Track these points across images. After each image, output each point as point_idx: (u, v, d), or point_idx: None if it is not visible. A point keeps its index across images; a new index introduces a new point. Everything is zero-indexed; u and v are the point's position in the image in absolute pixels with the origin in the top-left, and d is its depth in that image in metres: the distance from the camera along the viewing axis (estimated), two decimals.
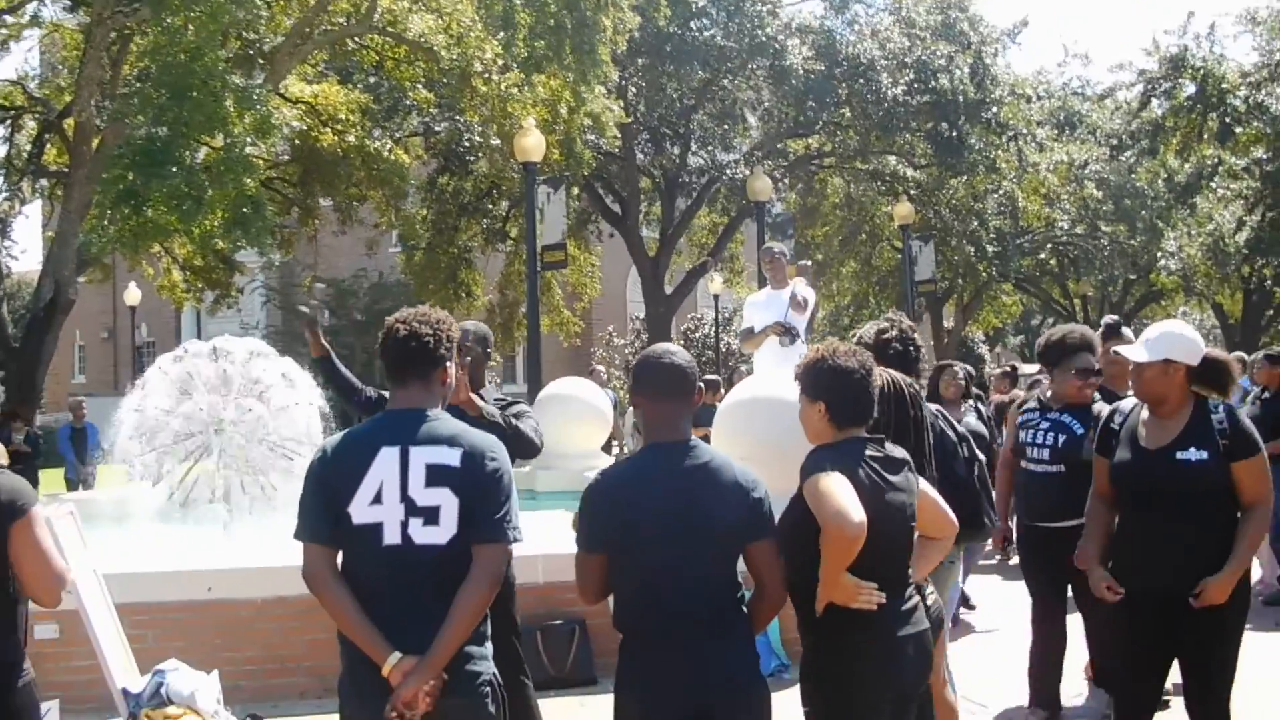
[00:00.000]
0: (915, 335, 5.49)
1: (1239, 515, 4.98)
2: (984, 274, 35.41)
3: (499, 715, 3.85)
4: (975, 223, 33.76)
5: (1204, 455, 4.92)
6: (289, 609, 7.94)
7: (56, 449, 20.60)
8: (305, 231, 29.75)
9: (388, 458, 3.75)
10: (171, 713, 6.54)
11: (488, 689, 3.79)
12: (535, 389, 17.43)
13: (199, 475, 10.94)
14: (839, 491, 3.82)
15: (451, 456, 3.75)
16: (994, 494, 6.56)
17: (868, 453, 4.10)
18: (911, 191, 33.39)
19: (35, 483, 17.23)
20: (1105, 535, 5.31)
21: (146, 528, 10.79)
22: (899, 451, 4.24)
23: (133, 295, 37.62)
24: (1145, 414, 5.16)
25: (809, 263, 11.53)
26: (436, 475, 3.73)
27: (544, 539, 7.89)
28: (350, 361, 45.01)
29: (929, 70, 30.73)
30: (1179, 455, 4.95)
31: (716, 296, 39.36)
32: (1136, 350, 5.10)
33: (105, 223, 19.13)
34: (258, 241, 19.78)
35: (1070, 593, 6.65)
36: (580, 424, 14.21)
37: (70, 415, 21.54)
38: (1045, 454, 6.62)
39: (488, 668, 3.82)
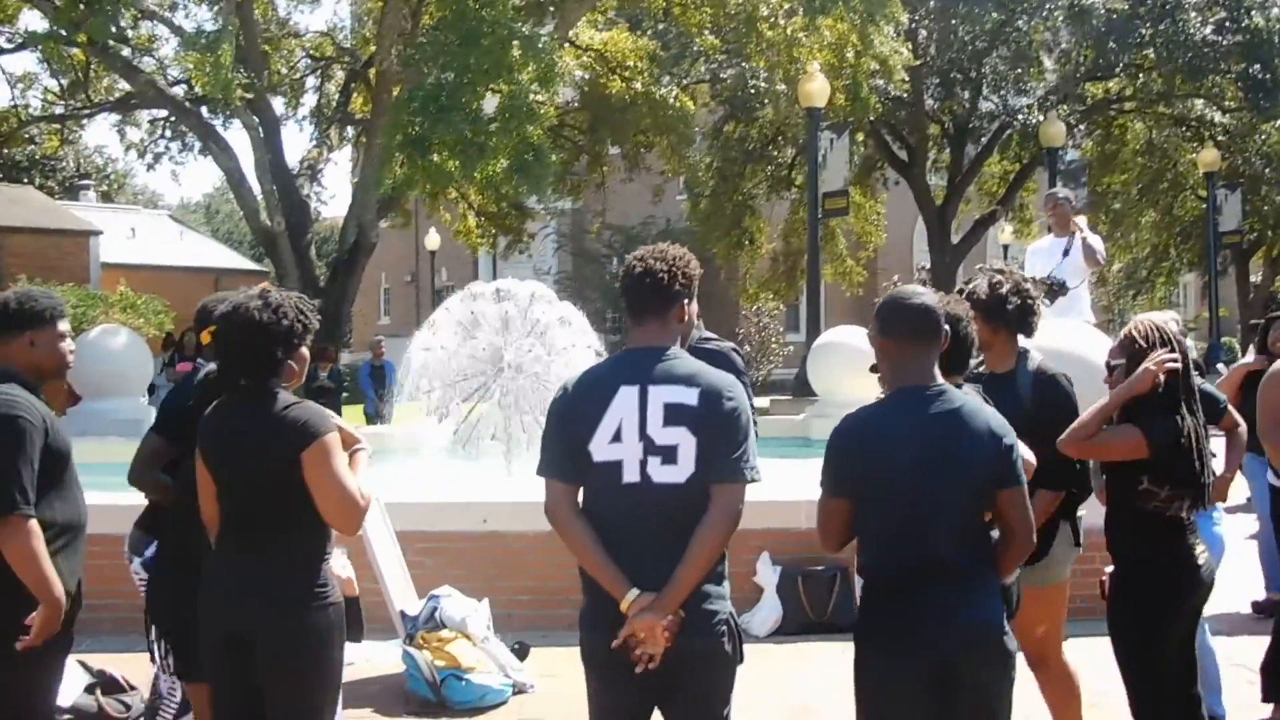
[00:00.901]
0: (1030, 288, 5.15)
1: None
2: None
3: (735, 655, 3.83)
4: None
5: None
6: (559, 543, 8.15)
7: (359, 386, 21.72)
8: (594, 178, 30.31)
9: (627, 396, 3.75)
10: (445, 636, 6.84)
11: (724, 628, 3.78)
12: (814, 337, 17.35)
13: (481, 414, 11.34)
14: None
15: (689, 395, 3.74)
16: None
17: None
18: (1219, 137, 31.55)
19: (338, 415, 18.23)
20: None
21: (434, 462, 11.27)
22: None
23: (432, 240, 39.18)
24: None
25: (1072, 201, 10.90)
26: (674, 414, 3.72)
27: (809, 484, 7.87)
28: None
29: (1242, 7, 28.85)
30: None
31: (1006, 246, 38.22)
32: None
33: (396, 166, 19.98)
34: (538, 188, 20.29)
35: None
36: (856, 373, 14.05)
37: (371, 353, 22.68)
38: None
39: (725, 607, 3.81)
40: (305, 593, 4.04)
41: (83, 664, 6.44)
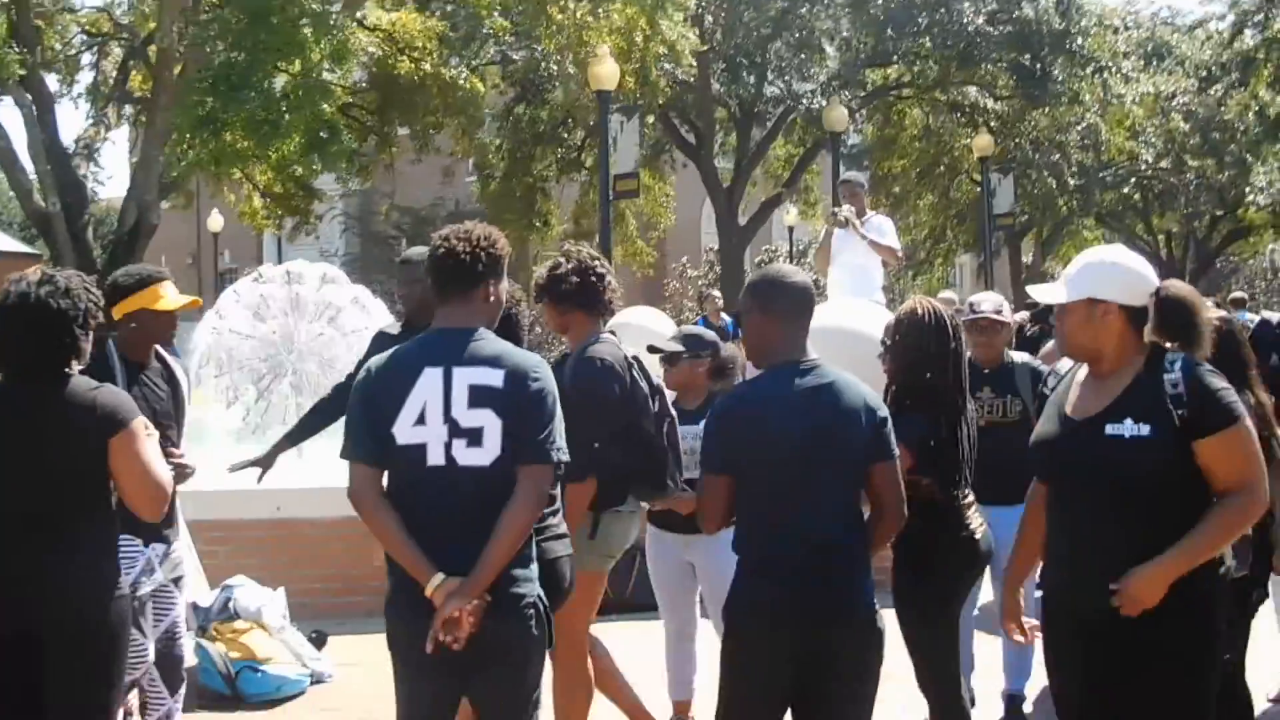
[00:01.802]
0: (597, 265, 5.20)
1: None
2: (1065, 208, 34.73)
3: (543, 638, 3.85)
4: (1057, 156, 33.09)
5: (1144, 430, 3.62)
6: (357, 529, 8.02)
7: None
8: (382, 159, 29.92)
9: (431, 378, 3.72)
10: (239, 626, 6.76)
11: (532, 611, 3.79)
12: None
13: (272, 398, 11.16)
14: None
15: (494, 377, 3.72)
16: None
17: None
18: (992, 123, 32.82)
19: None
20: (1036, 543, 4.06)
21: (222, 449, 11.04)
22: None
23: (215, 222, 38.13)
24: (1082, 374, 3.91)
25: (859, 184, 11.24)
26: (479, 396, 3.70)
27: None
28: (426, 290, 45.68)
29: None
30: (1109, 429, 3.68)
31: (791, 229, 39.12)
32: (1054, 290, 3.89)
33: (185, 148, 19.43)
34: (334, 166, 20.04)
35: None
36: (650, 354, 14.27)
37: None
38: None
39: (532, 589, 3.81)
40: (103, 586, 3.97)
41: None
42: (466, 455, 3.69)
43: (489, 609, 3.66)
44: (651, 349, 5.85)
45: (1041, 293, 3.93)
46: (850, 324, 8.01)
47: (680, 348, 5.82)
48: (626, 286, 28.83)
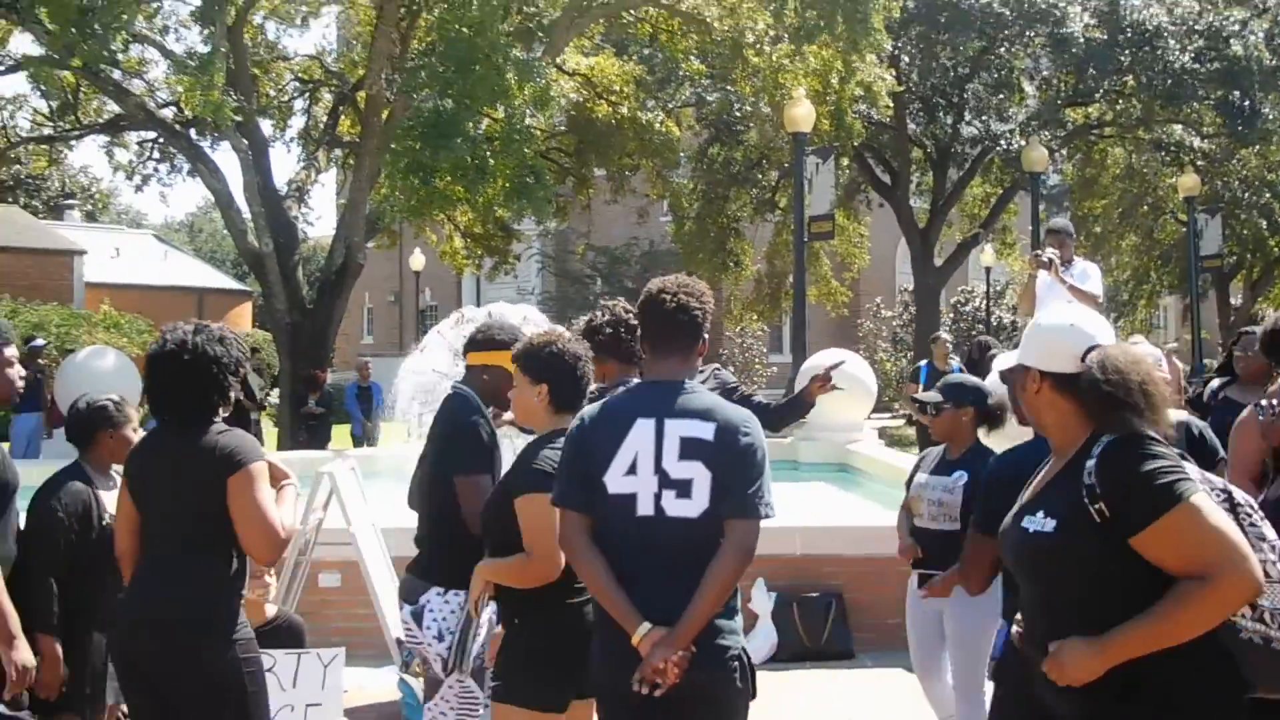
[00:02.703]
0: (630, 318, 5.23)
1: None
2: (1276, 249, 33.43)
3: (747, 689, 3.84)
4: (1268, 194, 31.91)
5: (1049, 525, 3.19)
6: None
7: (345, 407, 21.76)
8: (579, 201, 30.45)
9: (643, 429, 3.78)
10: None
11: (736, 663, 3.79)
12: (800, 359, 17.45)
13: None
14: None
15: (705, 430, 3.76)
16: None
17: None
18: (1198, 162, 31.79)
19: (328, 440, 18.30)
20: None
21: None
22: None
23: (417, 261, 39.25)
24: None
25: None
26: (690, 448, 3.74)
27: (803, 510, 7.96)
28: None
29: (1220, 36, 29.15)
30: (1025, 521, 3.31)
31: (988, 269, 38.43)
32: (1009, 356, 3.70)
33: (396, 193, 20.08)
34: (538, 210, 20.42)
35: None
36: (843, 396, 14.13)
37: (357, 374, 22.71)
38: None
39: (736, 642, 3.82)
40: (218, 624, 4.10)
41: None
42: (675, 506, 3.73)
43: (694, 660, 3.65)
44: (914, 399, 6.00)
45: (1001, 361, 3.70)
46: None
47: (939, 398, 5.76)
48: (820, 326, 28.86)
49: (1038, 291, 10.39)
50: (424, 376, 11.41)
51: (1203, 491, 3.05)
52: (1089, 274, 10.35)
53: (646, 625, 3.66)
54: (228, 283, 49.41)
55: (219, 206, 22.97)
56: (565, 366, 4.28)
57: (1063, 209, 36.18)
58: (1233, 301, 39.62)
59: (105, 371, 15.05)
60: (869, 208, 34.81)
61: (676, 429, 3.77)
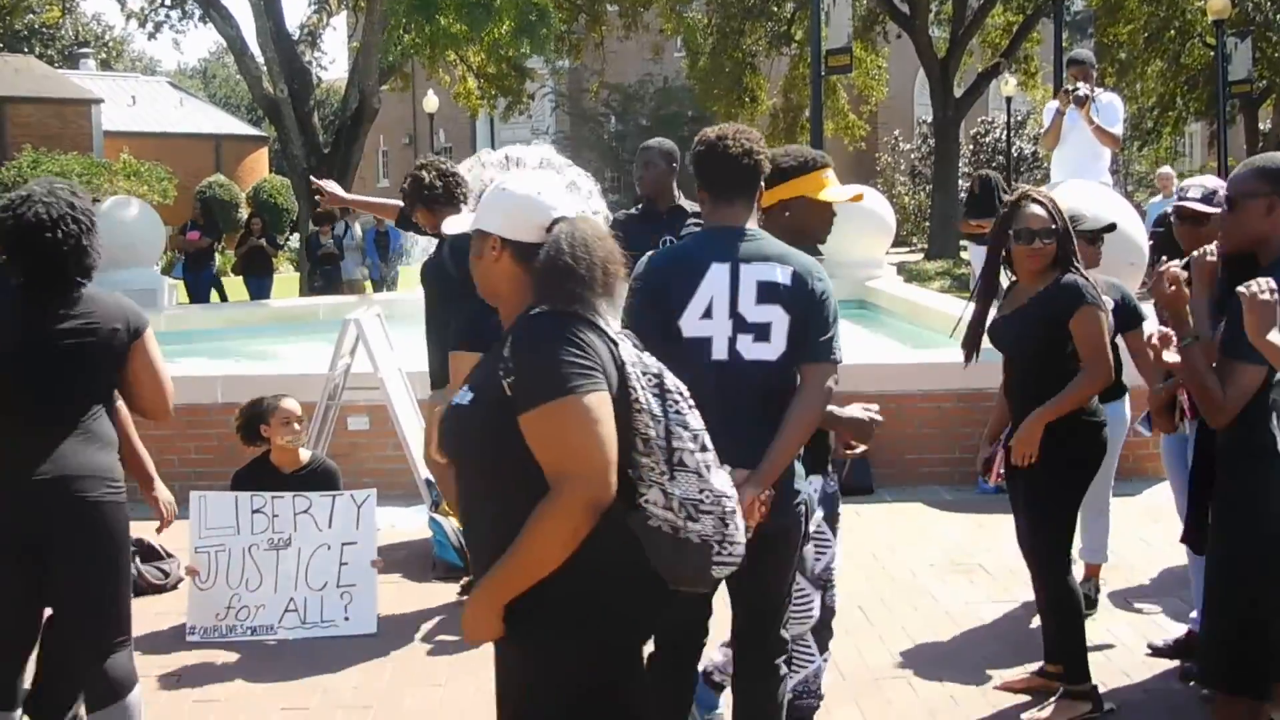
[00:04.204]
0: (449, 166, 5.52)
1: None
2: None
3: (807, 534, 3.92)
4: None
5: (466, 399, 2.98)
6: None
7: (363, 250, 21.82)
8: (592, 38, 30.05)
9: (718, 273, 3.73)
10: None
11: (803, 509, 3.84)
12: None
13: None
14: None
15: (783, 274, 3.72)
16: None
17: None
18: None
19: (339, 282, 18.37)
20: None
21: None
22: None
23: (431, 103, 38.89)
24: None
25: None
26: (767, 292, 3.71)
27: None
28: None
29: None
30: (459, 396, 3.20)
31: (1009, 99, 37.89)
32: (462, 219, 3.24)
33: (400, 31, 19.87)
34: (542, 49, 20.20)
35: None
36: (861, 233, 14.16)
37: (374, 218, 22.69)
38: None
39: (806, 488, 3.87)
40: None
41: None
42: (753, 350, 3.72)
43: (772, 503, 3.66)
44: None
45: (452, 224, 3.30)
46: (1081, 208, 7.86)
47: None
48: (838, 161, 28.62)
49: (1062, 127, 10.34)
50: None
51: (599, 394, 2.79)
52: (1114, 108, 10.27)
53: (726, 468, 3.52)
54: (244, 129, 49.10)
55: (233, 53, 22.77)
56: None
57: (1087, 35, 35.47)
58: (1261, 127, 39.02)
59: (130, 220, 15.17)
60: (887, 39, 34.24)
61: (753, 273, 3.73)
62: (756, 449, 3.64)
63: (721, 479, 2.92)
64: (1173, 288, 3.70)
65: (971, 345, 4.97)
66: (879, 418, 4.20)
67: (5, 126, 34.17)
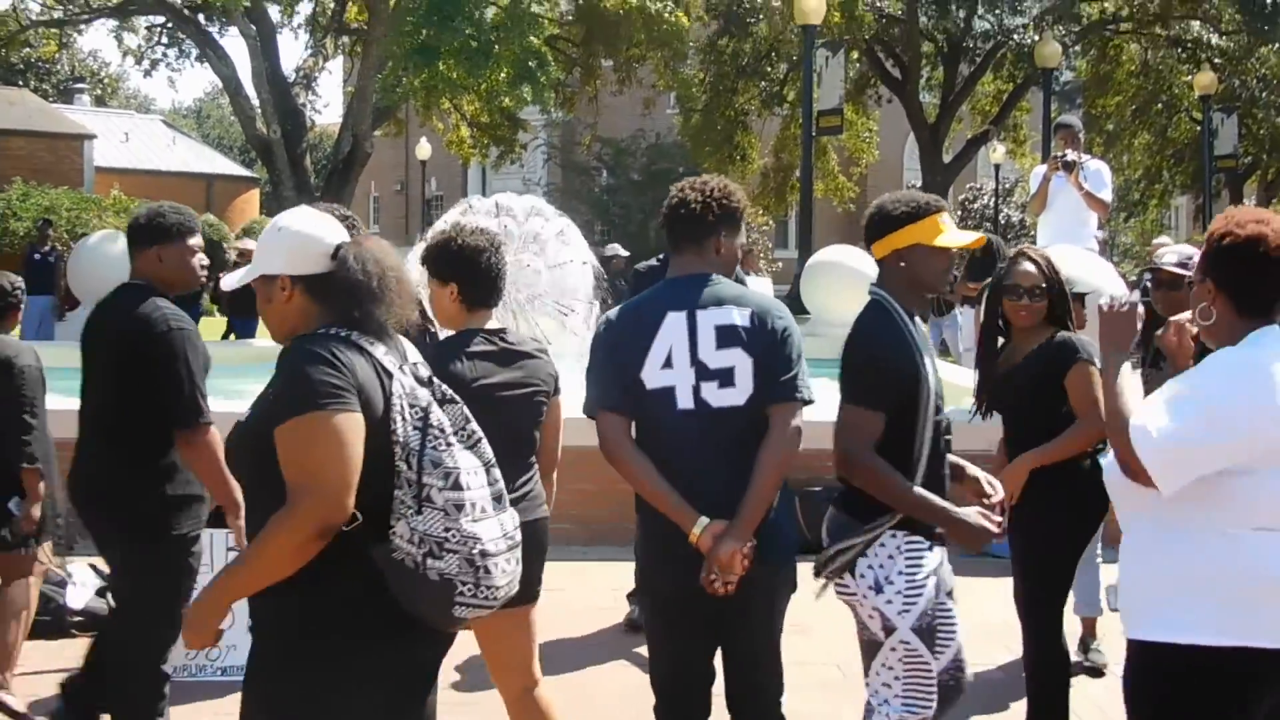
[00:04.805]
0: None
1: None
2: None
3: (794, 577, 3.85)
4: None
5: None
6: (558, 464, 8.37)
7: None
8: (586, 91, 30.26)
9: (675, 322, 3.70)
10: None
11: (790, 552, 3.80)
12: (806, 255, 17.51)
13: None
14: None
15: (741, 316, 3.68)
16: None
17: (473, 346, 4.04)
18: (1215, 60, 31.46)
19: None
20: None
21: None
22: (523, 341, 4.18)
23: (423, 150, 39.12)
24: None
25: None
26: (726, 336, 3.67)
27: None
28: (627, 221, 45.06)
29: None
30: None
31: (997, 166, 38.23)
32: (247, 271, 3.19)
33: (400, 74, 20.03)
34: (540, 98, 20.38)
35: None
36: (847, 291, 14.21)
37: None
38: None
39: (790, 530, 3.83)
40: None
41: (93, 567, 6.65)
42: (719, 396, 3.67)
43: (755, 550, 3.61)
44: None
45: (230, 280, 3.22)
46: (1067, 270, 7.91)
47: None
48: (827, 222, 28.80)
49: (1049, 193, 10.40)
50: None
51: (346, 414, 2.79)
52: (1101, 176, 10.33)
53: (704, 520, 3.58)
54: (236, 169, 49.15)
55: (227, 93, 22.99)
56: (469, 263, 4.08)
57: (1075, 106, 35.86)
58: (1246, 203, 39.35)
59: (117, 255, 15.12)
60: (878, 102, 34.54)
61: (710, 319, 3.69)
62: (729, 499, 3.59)
63: (488, 526, 2.86)
64: (1176, 338, 3.62)
65: (982, 399, 5.01)
66: (994, 524, 3.77)
67: None
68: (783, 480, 3.72)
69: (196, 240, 4.65)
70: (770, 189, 33.74)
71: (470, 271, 4.07)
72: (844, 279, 14.14)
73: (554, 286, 11.24)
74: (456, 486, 2.83)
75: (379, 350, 2.92)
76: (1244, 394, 2.93)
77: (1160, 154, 38.16)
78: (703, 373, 3.66)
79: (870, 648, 3.87)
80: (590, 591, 7.34)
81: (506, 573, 2.90)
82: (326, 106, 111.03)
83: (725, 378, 3.65)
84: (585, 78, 29.74)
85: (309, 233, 3.03)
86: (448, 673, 5.30)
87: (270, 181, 23.42)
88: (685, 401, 3.67)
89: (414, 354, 3.09)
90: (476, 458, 2.92)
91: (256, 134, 21.78)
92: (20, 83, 40.97)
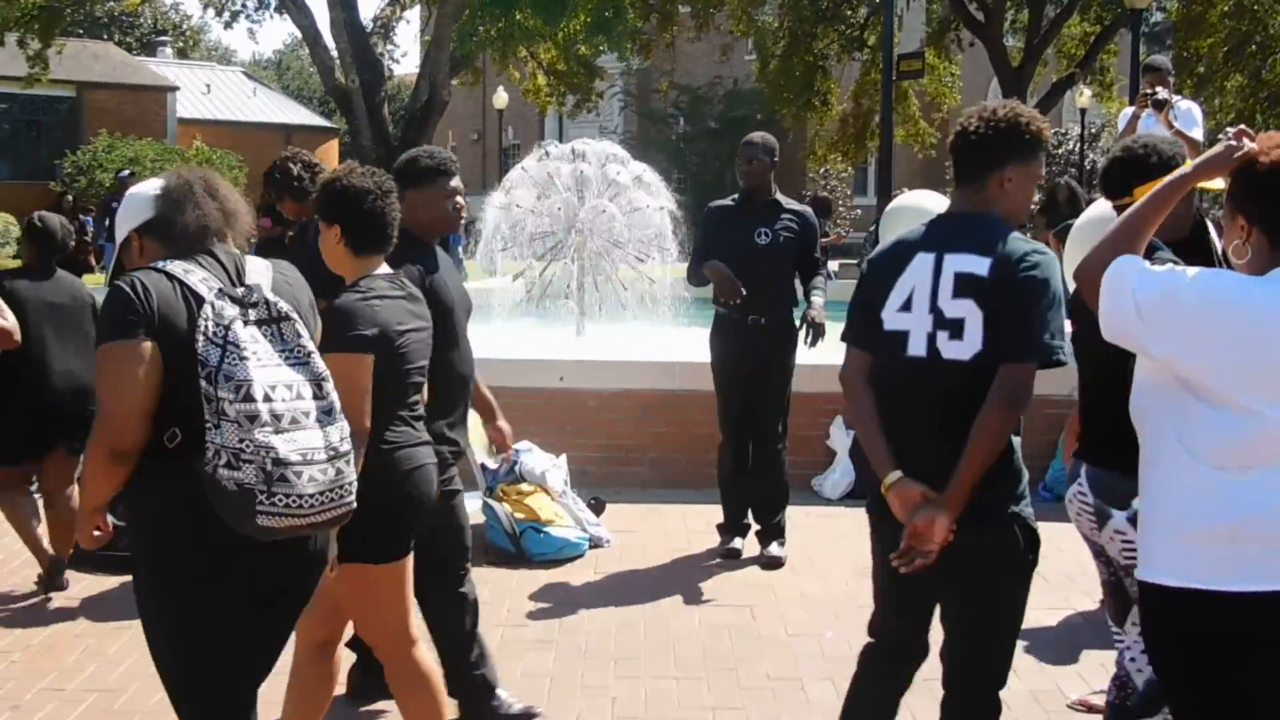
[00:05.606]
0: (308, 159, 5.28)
1: None
2: None
3: (1030, 556, 3.53)
4: None
5: None
6: (633, 402, 8.38)
7: None
8: (663, 38, 30.05)
9: (921, 263, 3.48)
10: (524, 489, 7.09)
11: (1015, 524, 3.49)
12: (884, 201, 17.31)
13: (555, 273, 11.53)
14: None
15: (980, 265, 3.40)
16: None
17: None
18: None
19: None
20: None
21: (506, 320, 11.49)
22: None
23: (500, 99, 39.10)
24: None
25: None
26: (964, 285, 3.41)
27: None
28: (703, 169, 45.03)
29: None
30: None
31: (1083, 111, 37.45)
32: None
33: (477, 23, 20.00)
34: (618, 45, 20.29)
35: None
36: None
37: None
38: None
39: (1019, 504, 3.51)
40: None
41: None
42: (950, 348, 3.41)
43: (965, 519, 3.35)
44: None
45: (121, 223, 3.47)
46: None
47: None
48: (906, 167, 28.50)
49: (1138, 130, 10.15)
50: (508, 212, 11.47)
51: (129, 343, 3.04)
52: (1193, 116, 10.06)
53: (897, 474, 3.43)
54: (315, 119, 49.50)
55: (306, 43, 23.06)
56: (352, 204, 3.80)
57: (1165, 48, 35.05)
58: None
59: None
60: (960, 46, 33.94)
61: (954, 264, 3.44)
62: (934, 459, 3.38)
63: (304, 436, 3.00)
64: None
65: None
66: None
67: (83, 111, 34.76)
68: (1000, 446, 3.39)
69: (456, 182, 4.59)
70: (850, 135, 33.36)
71: (352, 214, 3.81)
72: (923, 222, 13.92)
73: (630, 232, 11.23)
74: (248, 399, 2.95)
75: (195, 276, 3.10)
76: (1226, 305, 2.70)
77: (1254, 97, 37.17)
78: (939, 321, 3.44)
79: (1116, 589, 4.02)
80: (661, 535, 7.35)
81: (317, 481, 3.00)
82: (404, 56, 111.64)
83: (956, 329, 3.41)
84: (662, 24, 29.51)
85: (136, 191, 3.39)
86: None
87: (349, 131, 23.52)
88: (918, 349, 3.46)
89: (257, 274, 3.24)
90: (300, 373, 3.06)
91: (335, 84, 21.86)
92: (105, 36, 41.52)
